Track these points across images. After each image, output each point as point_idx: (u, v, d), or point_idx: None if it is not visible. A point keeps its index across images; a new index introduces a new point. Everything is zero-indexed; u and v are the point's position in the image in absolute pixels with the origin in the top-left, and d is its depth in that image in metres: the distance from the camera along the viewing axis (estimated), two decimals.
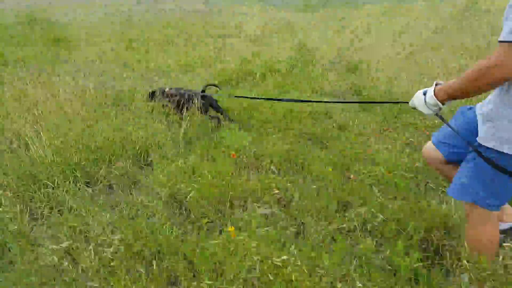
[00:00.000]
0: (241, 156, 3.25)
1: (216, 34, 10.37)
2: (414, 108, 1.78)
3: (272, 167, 3.13)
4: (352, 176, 2.94)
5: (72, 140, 3.32)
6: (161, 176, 2.96)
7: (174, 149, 3.47)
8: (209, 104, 4.05)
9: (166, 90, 4.09)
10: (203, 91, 4.12)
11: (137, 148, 3.46)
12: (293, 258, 1.90)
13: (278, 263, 1.84)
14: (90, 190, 2.94)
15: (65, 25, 13.27)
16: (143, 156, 3.46)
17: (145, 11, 18.52)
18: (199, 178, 2.84)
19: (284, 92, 5.23)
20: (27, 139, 3.31)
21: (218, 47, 8.47)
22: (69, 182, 2.94)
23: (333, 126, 4.01)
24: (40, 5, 23.98)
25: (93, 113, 3.93)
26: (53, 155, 3.14)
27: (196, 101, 3.87)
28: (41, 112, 3.84)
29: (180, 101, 3.98)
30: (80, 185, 2.95)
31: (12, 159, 3.18)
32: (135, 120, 3.84)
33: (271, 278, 1.81)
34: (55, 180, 2.92)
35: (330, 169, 2.97)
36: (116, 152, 3.35)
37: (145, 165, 3.39)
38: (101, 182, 3.07)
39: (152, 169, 3.19)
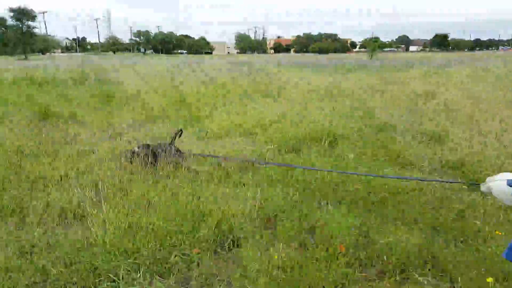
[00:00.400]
0: (351, 250, 2.48)
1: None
2: (486, 192, 1.48)
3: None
4: None
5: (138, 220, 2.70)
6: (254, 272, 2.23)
7: (253, 226, 2.79)
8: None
9: (135, 149, 4.16)
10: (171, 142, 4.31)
11: (213, 226, 2.77)
12: None
13: None
14: (162, 285, 2.24)
15: (114, 83, 13.61)
16: (220, 236, 2.75)
17: (187, 70, 19.20)
18: None
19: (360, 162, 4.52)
20: (86, 215, 2.73)
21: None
22: (139, 274, 2.27)
23: (457, 215, 3.12)
24: (89, 65, 25.67)
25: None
26: (115, 237, 2.52)
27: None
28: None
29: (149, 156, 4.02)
30: (149, 278, 2.27)
31: (79, 242, 2.56)
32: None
33: None
34: (119, 273, 2.26)
35: (491, 279, 2.14)
36: (188, 233, 2.68)
37: (227, 249, 2.66)
38: (174, 274, 2.38)
39: (241, 259, 2.47)
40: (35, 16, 58.58)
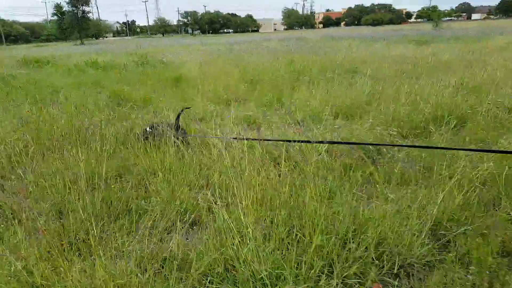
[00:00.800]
0: None
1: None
2: None
3: None
4: None
5: None
6: None
7: None
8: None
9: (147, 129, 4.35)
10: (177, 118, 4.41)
11: None
12: None
13: None
14: None
15: (176, 64, 13.17)
16: None
17: (249, 48, 18.36)
18: None
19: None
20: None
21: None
22: None
23: None
24: (145, 48, 25.70)
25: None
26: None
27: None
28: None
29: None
30: None
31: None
32: None
33: None
34: None
35: None
36: None
37: None
38: None
39: None
40: (89, 0, 60.26)
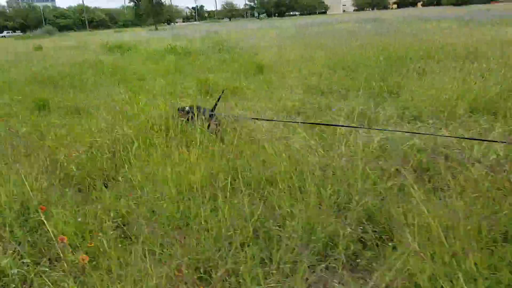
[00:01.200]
0: None
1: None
2: None
3: None
4: None
5: None
6: None
7: None
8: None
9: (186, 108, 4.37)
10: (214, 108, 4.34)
11: None
12: None
13: None
14: None
15: (253, 50, 12.76)
16: None
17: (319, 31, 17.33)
18: None
19: None
20: None
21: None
22: None
23: None
24: (216, 32, 25.72)
25: None
26: None
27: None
28: None
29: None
30: None
31: None
32: None
33: None
34: None
35: None
36: None
37: None
38: None
39: None
40: None
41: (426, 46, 8.86)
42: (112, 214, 2.59)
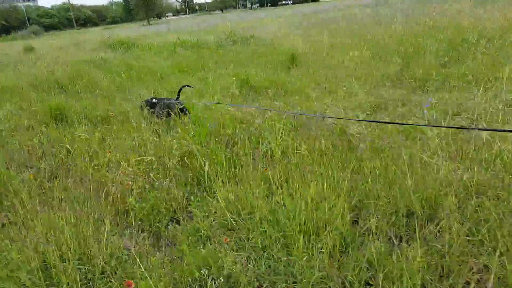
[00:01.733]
0: None
1: None
2: None
3: None
4: None
5: None
6: None
7: None
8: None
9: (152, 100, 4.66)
10: (178, 97, 4.59)
11: None
12: None
13: None
14: None
15: (268, 41, 11.77)
16: None
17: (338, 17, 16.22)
18: None
19: None
20: None
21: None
22: None
23: None
24: (216, 24, 24.47)
25: None
26: None
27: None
28: None
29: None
30: None
31: None
32: None
33: None
34: None
35: None
36: None
37: None
38: None
39: None
40: None
41: (483, 26, 7.81)
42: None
